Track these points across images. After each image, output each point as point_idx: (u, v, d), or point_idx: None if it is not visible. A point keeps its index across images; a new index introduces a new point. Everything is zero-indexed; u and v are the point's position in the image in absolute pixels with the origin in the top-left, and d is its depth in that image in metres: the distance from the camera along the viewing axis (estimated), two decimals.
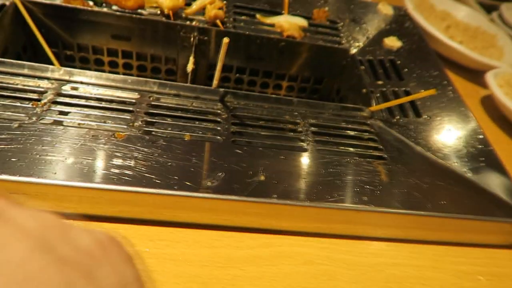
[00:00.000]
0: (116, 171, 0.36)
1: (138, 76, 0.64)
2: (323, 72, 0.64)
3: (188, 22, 0.58)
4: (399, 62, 0.61)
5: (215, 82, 0.47)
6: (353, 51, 0.62)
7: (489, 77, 0.60)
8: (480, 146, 0.50)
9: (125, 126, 0.41)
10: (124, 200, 0.37)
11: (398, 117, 0.52)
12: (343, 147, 0.46)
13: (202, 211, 0.38)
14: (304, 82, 0.66)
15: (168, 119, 0.44)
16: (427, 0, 0.81)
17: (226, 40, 0.38)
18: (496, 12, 0.81)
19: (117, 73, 0.63)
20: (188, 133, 0.43)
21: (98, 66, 0.62)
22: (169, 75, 0.63)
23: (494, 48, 0.72)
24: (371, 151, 0.47)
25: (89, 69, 0.61)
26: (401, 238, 0.43)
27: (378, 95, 0.55)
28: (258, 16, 0.62)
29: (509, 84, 0.61)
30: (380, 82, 0.57)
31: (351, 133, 0.49)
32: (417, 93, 0.48)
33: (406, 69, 0.60)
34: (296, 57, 0.62)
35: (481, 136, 0.51)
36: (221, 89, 0.48)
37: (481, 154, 0.49)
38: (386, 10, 0.71)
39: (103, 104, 0.44)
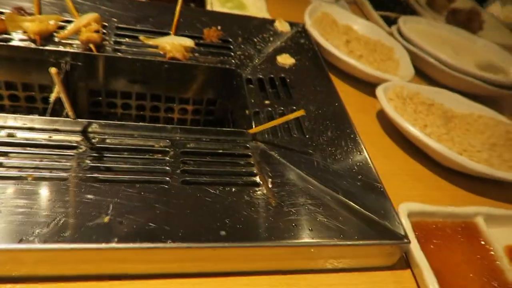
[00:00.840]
0: None
1: (11, 106, 0.59)
2: (215, 93, 0.62)
3: (61, 47, 0.54)
4: (289, 80, 0.60)
5: (70, 113, 0.42)
6: (244, 70, 0.60)
7: (379, 91, 0.60)
8: (361, 165, 0.48)
9: None
10: None
11: (280, 137, 0.50)
12: (213, 177, 0.43)
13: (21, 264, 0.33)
14: (197, 104, 0.63)
15: (13, 158, 0.39)
16: (329, 15, 0.81)
17: (53, 70, 0.34)
18: (396, 25, 0.83)
19: None
20: (31, 173, 0.38)
21: None
22: (47, 104, 0.58)
23: (391, 60, 0.73)
24: (246, 178, 0.44)
25: None
26: (273, 269, 0.40)
27: (264, 115, 0.53)
28: (141, 37, 0.59)
29: (399, 97, 0.61)
30: (267, 102, 0.55)
31: (227, 159, 0.46)
32: (293, 112, 0.46)
33: (297, 87, 0.59)
34: (184, 79, 0.59)
35: (362, 155, 0.50)
36: (84, 120, 0.44)
37: (361, 174, 0.47)
38: (282, 27, 0.70)
39: None
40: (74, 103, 0.59)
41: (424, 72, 0.78)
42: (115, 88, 0.58)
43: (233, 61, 0.61)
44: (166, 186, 0.40)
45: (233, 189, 0.42)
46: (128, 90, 0.59)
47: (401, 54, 0.74)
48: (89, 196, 0.37)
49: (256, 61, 0.62)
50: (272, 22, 0.71)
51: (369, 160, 0.49)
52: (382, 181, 0.48)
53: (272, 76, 0.60)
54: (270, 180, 0.44)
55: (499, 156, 0.57)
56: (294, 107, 0.55)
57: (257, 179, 0.44)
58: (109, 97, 0.60)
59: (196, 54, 0.60)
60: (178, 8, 0.64)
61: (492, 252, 0.45)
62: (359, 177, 0.47)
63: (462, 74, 0.70)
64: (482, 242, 0.46)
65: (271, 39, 0.68)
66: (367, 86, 0.71)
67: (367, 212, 0.43)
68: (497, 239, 0.47)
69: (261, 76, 0.59)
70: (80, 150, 0.42)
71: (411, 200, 0.51)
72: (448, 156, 0.52)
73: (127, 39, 0.59)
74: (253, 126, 0.50)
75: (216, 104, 0.63)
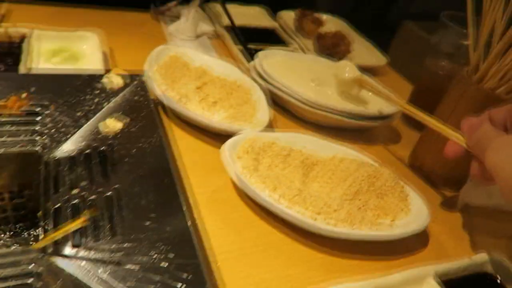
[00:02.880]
0: None
1: None
2: (19, 184, 0.49)
3: None
4: (112, 152, 0.49)
5: None
6: (55, 149, 0.48)
7: (224, 151, 0.51)
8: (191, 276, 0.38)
9: None
10: None
11: (85, 242, 0.38)
12: None
13: None
14: None
15: None
16: (179, 58, 0.71)
17: None
18: (253, 62, 0.76)
19: None
20: None
21: None
22: None
23: (248, 104, 0.65)
24: None
25: None
26: None
27: (69, 210, 0.41)
28: None
29: (249, 152, 0.52)
30: (75, 191, 0.44)
31: None
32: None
33: (120, 161, 0.48)
34: None
35: (194, 256, 0.40)
36: None
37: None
38: (114, 82, 0.59)
39: None
40: None
41: (288, 108, 0.71)
42: None
43: (38, 139, 0.48)
44: None
45: None
46: None
47: (258, 95, 0.67)
48: None
49: (73, 135, 0.50)
50: (100, 78, 0.60)
51: (202, 266, 0.39)
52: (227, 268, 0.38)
53: (88, 152, 0.48)
54: None
55: (364, 205, 0.51)
56: (110, 192, 0.44)
57: None
58: None
59: None
60: None
61: None
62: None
63: (321, 110, 0.65)
64: None
65: (96, 100, 0.56)
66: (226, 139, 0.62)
67: None
68: None
69: (72, 155, 0.47)
70: None
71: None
72: (299, 224, 0.44)
73: None
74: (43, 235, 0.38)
75: (24, 196, 0.50)
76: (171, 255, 0.38)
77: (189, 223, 0.41)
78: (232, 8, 0.94)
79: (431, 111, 0.65)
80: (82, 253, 0.37)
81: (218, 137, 0.60)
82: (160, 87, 0.62)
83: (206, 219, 0.49)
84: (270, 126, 0.69)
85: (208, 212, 0.50)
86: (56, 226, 0.39)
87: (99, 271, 0.36)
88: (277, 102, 0.72)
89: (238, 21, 0.91)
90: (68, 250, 0.37)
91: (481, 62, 0.56)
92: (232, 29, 0.89)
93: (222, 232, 0.48)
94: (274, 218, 0.50)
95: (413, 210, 0.53)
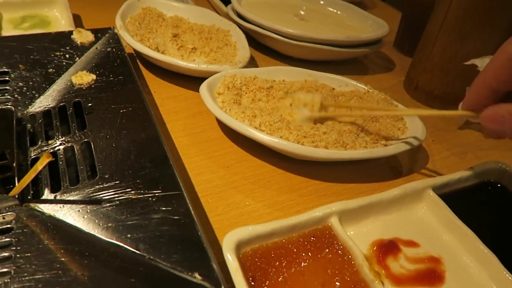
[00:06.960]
0: None
1: None
2: None
3: None
4: (86, 103, 0.46)
5: None
6: (28, 106, 0.46)
7: (203, 89, 0.49)
8: (173, 208, 0.36)
9: None
10: None
11: (64, 188, 0.37)
12: None
13: None
14: None
15: None
16: (153, 10, 0.68)
17: None
18: (231, 4, 0.73)
19: None
20: None
21: None
22: None
23: (228, 46, 0.62)
24: None
25: None
26: None
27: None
28: None
29: (230, 88, 0.50)
30: (51, 141, 0.42)
31: None
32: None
33: (95, 110, 0.46)
34: None
35: (176, 192, 0.37)
36: None
37: (171, 221, 0.35)
38: (83, 38, 0.57)
39: None
40: None
41: (273, 48, 0.68)
42: None
43: (10, 97, 0.46)
44: None
45: None
46: None
47: (237, 36, 0.63)
48: None
49: (46, 90, 0.48)
50: (69, 34, 0.57)
51: (184, 195, 0.37)
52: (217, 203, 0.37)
53: (63, 104, 0.46)
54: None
55: (357, 129, 0.48)
56: (87, 139, 0.42)
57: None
58: None
59: None
60: None
61: (353, 261, 0.35)
62: (164, 227, 0.34)
63: (303, 41, 0.61)
64: (340, 251, 0.36)
65: (68, 56, 0.54)
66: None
67: (172, 270, 0.31)
68: (359, 239, 0.38)
69: (46, 109, 0.46)
70: None
71: (258, 216, 0.41)
72: (284, 149, 0.42)
73: None
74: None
75: (6, 157, 0.49)
76: (153, 191, 0.37)
77: (171, 160, 0.40)
78: None
79: (422, 32, 0.62)
80: (61, 196, 0.36)
81: (201, 81, 0.58)
82: (134, 38, 0.59)
83: (193, 158, 0.47)
84: (253, 65, 0.66)
85: (194, 152, 0.48)
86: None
87: (80, 211, 0.34)
88: (261, 42, 0.69)
89: None
90: (46, 195, 0.36)
91: None
92: None
93: (210, 169, 0.46)
94: (264, 151, 0.48)
95: (409, 128, 0.51)
